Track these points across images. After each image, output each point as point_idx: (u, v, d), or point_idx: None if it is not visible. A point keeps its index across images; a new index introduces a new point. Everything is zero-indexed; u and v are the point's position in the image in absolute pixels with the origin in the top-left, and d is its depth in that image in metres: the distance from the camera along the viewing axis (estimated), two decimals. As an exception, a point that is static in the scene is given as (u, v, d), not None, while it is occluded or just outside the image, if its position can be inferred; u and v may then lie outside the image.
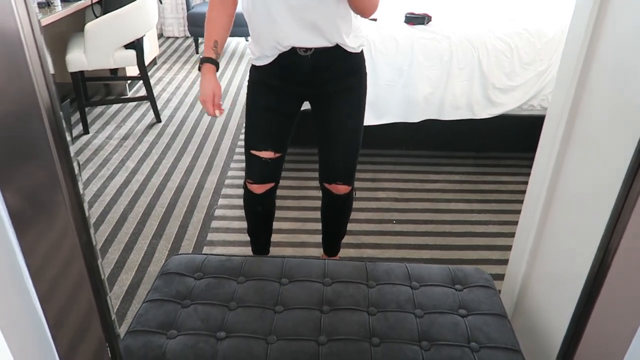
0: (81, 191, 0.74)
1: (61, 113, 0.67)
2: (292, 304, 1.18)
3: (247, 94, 1.55)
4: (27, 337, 0.73)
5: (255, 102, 1.53)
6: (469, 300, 1.20)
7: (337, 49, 1.41)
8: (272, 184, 1.62)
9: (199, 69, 1.47)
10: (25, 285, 0.71)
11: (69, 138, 0.70)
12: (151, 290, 1.23)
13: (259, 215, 1.72)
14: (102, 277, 0.76)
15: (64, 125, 0.69)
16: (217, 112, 1.47)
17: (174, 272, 1.27)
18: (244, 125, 1.59)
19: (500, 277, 1.66)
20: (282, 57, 1.42)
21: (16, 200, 0.65)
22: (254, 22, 1.42)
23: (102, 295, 0.74)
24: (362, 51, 1.49)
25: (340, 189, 1.63)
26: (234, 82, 3.97)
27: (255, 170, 1.59)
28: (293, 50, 1.39)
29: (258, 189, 1.61)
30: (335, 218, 1.78)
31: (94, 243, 0.75)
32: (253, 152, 1.55)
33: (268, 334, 1.09)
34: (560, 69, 1.19)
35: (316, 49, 1.39)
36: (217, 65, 1.46)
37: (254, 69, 1.50)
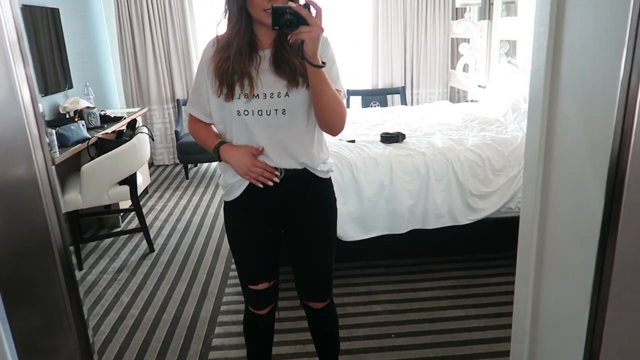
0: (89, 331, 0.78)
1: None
2: None
3: (227, 233, 1.64)
4: None
5: (237, 240, 1.62)
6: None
7: (306, 173, 1.51)
8: (274, 303, 1.73)
9: (218, 157, 1.50)
10: None
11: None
12: None
13: (262, 333, 1.78)
14: None
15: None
16: (273, 175, 1.46)
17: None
18: (234, 260, 1.66)
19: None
20: (252, 185, 1.49)
21: (24, 337, 0.69)
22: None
23: None
24: (330, 177, 1.59)
25: (318, 305, 1.70)
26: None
27: (256, 300, 1.68)
28: None
29: (261, 311, 1.70)
30: (321, 332, 1.83)
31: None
32: (251, 287, 1.63)
33: None
34: (525, 173, 1.31)
35: (286, 171, 1.48)
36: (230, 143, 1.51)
37: (227, 206, 1.59)
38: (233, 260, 3.12)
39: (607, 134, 0.82)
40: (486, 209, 2.59)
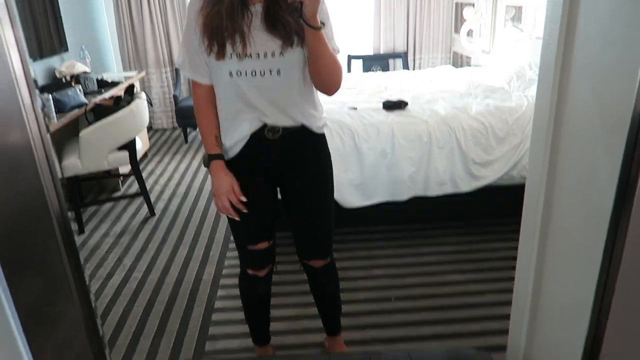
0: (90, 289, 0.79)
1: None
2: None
3: None
4: None
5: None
6: (475, 382, 1.23)
7: (303, 130, 1.50)
8: (272, 265, 1.73)
9: (206, 166, 1.51)
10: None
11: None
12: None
13: (260, 298, 1.79)
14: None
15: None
16: (242, 208, 1.47)
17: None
18: (229, 222, 1.61)
19: (502, 347, 1.68)
20: (250, 145, 1.48)
21: (26, 300, 0.70)
22: (226, 110, 1.48)
23: None
24: (324, 132, 1.58)
25: (318, 263, 1.71)
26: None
27: (254, 260, 1.67)
28: (261, 135, 1.47)
29: (262, 273, 1.70)
30: (322, 292, 1.83)
31: (103, 336, 0.79)
32: (250, 247, 1.62)
33: None
34: (533, 140, 1.30)
35: (284, 129, 1.47)
36: (224, 160, 1.51)
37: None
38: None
39: (623, 110, 0.80)
40: (488, 176, 2.59)
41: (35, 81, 2.97)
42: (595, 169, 0.98)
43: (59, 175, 0.75)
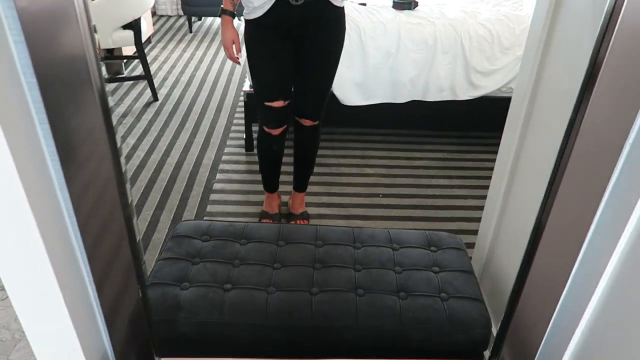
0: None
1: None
2: (288, 262, 1.35)
3: (247, 49, 1.77)
4: (66, 263, 0.90)
5: (256, 54, 1.76)
6: (442, 260, 1.38)
7: (324, 1, 1.65)
8: (286, 126, 1.96)
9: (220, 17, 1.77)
10: (65, 222, 0.88)
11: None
12: (164, 250, 1.39)
13: (275, 154, 2.05)
14: (131, 200, 0.92)
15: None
16: (238, 58, 1.77)
17: (183, 235, 1.44)
18: (252, 79, 1.87)
19: (473, 245, 1.85)
20: (275, 7, 1.63)
21: (63, 135, 0.80)
22: None
23: (130, 221, 0.90)
24: (343, 7, 1.73)
25: (308, 122, 1.95)
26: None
27: (271, 118, 1.90)
28: (285, 0, 1.61)
29: (276, 131, 1.94)
30: (303, 148, 2.09)
31: (131, 202, 0.91)
32: (267, 103, 1.84)
33: (268, 286, 1.27)
34: (526, 47, 1.35)
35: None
36: (233, 16, 1.77)
37: (249, 24, 1.71)
38: (239, 107, 3.23)
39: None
40: (488, 86, 2.63)
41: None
42: (578, 60, 1.04)
43: (94, 22, 0.81)
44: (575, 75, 1.08)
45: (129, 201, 0.90)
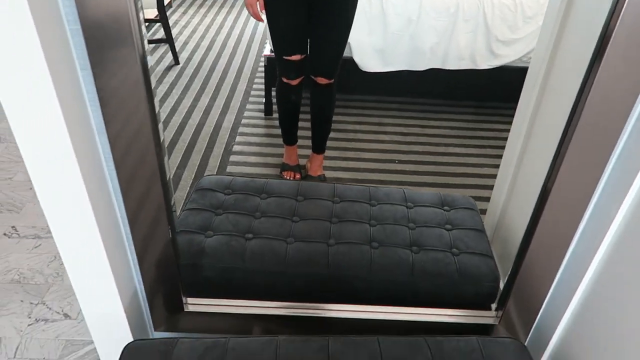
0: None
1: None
2: (307, 216, 1.42)
3: (266, 7, 1.88)
4: (101, 196, 0.97)
5: (274, 12, 1.89)
6: (454, 219, 1.44)
7: None
8: (303, 77, 2.08)
9: None
10: (105, 175, 0.95)
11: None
12: (188, 201, 1.47)
13: (293, 104, 2.18)
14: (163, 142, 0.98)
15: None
16: (261, 16, 1.89)
17: (206, 189, 1.51)
18: (270, 35, 1.99)
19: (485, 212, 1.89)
20: None
21: (106, 83, 0.86)
22: None
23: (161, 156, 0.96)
24: None
25: (323, 80, 2.06)
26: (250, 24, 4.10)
27: (289, 70, 2.04)
28: None
29: (294, 82, 2.08)
30: (319, 105, 2.18)
31: (163, 141, 0.97)
32: (285, 57, 1.98)
33: (287, 237, 1.34)
34: (546, 15, 1.36)
35: None
36: None
37: None
38: (260, 67, 3.27)
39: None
40: (508, 55, 2.62)
41: None
42: (592, 29, 1.06)
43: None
44: (591, 44, 1.10)
45: (161, 139, 0.97)
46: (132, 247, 1.10)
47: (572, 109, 0.94)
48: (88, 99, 0.91)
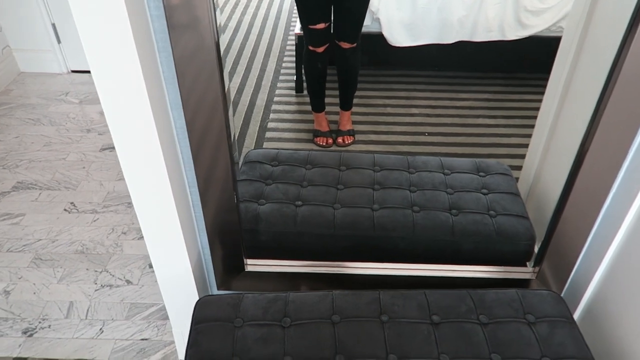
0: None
1: None
2: (350, 184, 1.51)
3: None
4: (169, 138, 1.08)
5: None
6: (490, 183, 1.52)
7: None
8: (328, 44, 2.25)
9: None
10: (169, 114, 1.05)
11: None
12: (240, 173, 1.58)
13: (319, 70, 2.35)
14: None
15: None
16: None
17: (254, 161, 1.61)
18: (297, 6, 2.17)
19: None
20: None
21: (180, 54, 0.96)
22: None
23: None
24: None
25: (347, 45, 2.23)
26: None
27: (315, 38, 2.22)
28: None
29: (320, 49, 2.25)
30: (344, 69, 2.36)
31: (228, 90, 1.07)
32: (311, 27, 2.16)
33: (334, 203, 1.44)
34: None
35: None
36: None
37: None
38: (288, 47, 3.35)
39: None
40: (537, 25, 2.64)
41: None
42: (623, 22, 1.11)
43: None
44: (629, 6, 1.15)
45: (229, 113, 1.07)
46: (200, 214, 1.22)
47: (610, 70, 1.00)
48: (164, 79, 1.02)
